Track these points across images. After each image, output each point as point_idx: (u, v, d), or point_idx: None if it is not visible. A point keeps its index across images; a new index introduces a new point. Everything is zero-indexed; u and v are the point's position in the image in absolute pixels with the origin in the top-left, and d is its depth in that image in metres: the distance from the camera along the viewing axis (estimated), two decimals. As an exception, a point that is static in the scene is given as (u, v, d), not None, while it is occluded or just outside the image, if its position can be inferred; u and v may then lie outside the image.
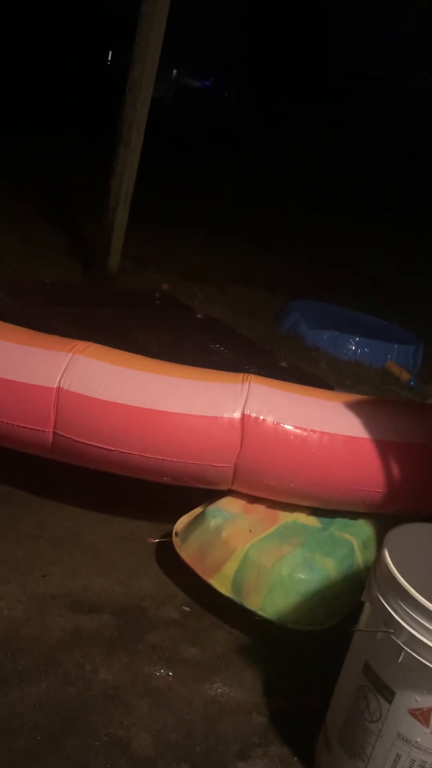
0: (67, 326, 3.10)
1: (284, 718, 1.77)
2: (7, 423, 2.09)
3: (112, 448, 2.09)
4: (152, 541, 2.26)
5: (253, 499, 2.21)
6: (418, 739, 1.40)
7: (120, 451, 2.09)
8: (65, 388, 2.06)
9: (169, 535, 2.23)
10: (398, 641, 1.38)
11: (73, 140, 8.32)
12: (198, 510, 2.24)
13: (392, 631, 1.39)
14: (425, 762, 1.41)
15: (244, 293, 5.10)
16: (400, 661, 1.38)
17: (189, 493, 2.27)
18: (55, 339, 2.20)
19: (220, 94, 12.35)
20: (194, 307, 4.03)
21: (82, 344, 2.17)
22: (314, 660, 1.91)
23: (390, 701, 1.42)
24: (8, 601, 1.90)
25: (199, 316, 3.80)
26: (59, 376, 2.08)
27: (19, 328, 2.24)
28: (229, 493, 2.24)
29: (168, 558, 2.18)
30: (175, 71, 12.30)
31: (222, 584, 1.97)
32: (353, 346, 3.96)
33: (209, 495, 2.27)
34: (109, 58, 11.66)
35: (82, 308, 3.65)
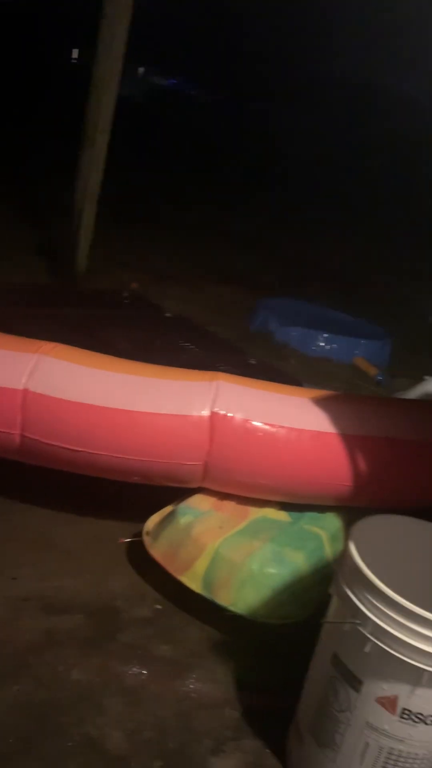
0: (35, 327, 3.09)
1: (257, 712, 1.79)
2: (-26, 426, 2.07)
3: (81, 449, 2.09)
4: (123, 540, 2.26)
5: (223, 496, 2.23)
6: (386, 727, 1.43)
7: (89, 452, 2.09)
8: (32, 389, 2.05)
9: (140, 534, 2.23)
10: (365, 632, 1.40)
11: (39, 139, 8.23)
12: (168, 508, 2.25)
13: (359, 622, 1.41)
14: (393, 749, 1.44)
15: (214, 292, 5.11)
16: (367, 651, 1.40)
17: (159, 491, 2.28)
18: (21, 340, 2.19)
19: (186, 93, 12.33)
20: (164, 306, 4.03)
21: (48, 345, 2.16)
22: (286, 654, 1.93)
23: (358, 690, 1.44)
24: (-22, 606, 1.89)
25: (168, 314, 3.81)
26: (25, 377, 2.07)
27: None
28: (199, 490, 2.25)
29: (139, 557, 2.18)
30: (141, 69, 12.24)
31: (193, 581, 1.99)
32: (322, 342, 4.00)
33: (180, 493, 2.28)
34: (75, 56, 11.55)
35: (50, 309, 3.63)
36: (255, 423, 2.10)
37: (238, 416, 2.10)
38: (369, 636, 1.40)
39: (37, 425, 2.06)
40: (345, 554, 1.50)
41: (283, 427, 2.11)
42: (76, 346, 2.24)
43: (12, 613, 1.91)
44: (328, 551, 2.11)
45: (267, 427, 2.10)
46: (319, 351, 3.98)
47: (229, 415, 2.09)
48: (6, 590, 1.97)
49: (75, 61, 11.53)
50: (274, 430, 2.10)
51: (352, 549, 1.47)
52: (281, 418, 2.12)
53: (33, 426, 2.06)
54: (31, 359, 2.10)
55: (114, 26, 3.81)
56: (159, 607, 2.05)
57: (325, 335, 4.00)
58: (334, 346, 3.99)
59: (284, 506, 2.24)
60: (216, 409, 2.09)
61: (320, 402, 2.20)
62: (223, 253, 6.13)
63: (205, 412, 2.09)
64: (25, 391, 2.05)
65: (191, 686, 1.82)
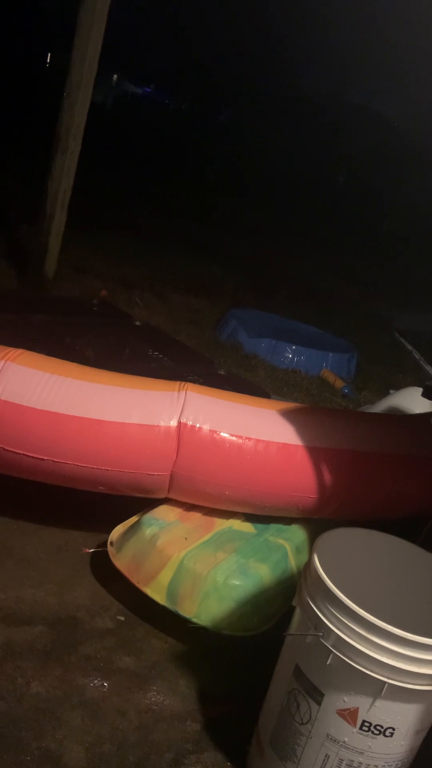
0: (1, 332, 3.05)
1: (218, 725, 1.78)
2: None
3: (46, 458, 2.06)
4: (87, 551, 2.24)
5: (190, 507, 2.23)
6: (346, 739, 1.44)
7: (53, 461, 2.06)
8: (-3, 396, 2.02)
9: (104, 544, 2.21)
10: (327, 644, 1.41)
11: (9, 143, 8.16)
12: (134, 519, 2.23)
13: (321, 634, 1.42)
14: (353, 761, 1.45)
15: (184, 301, 5.12)
16: (328, 663, 1.41)
17: (124, 502, 2.26)
18: (-14, 346, 2.16)
19: (161, 101, 12.37)
20: (133, 315, 4.02)
21: (14, 351, 2.14)
22: (248, 666, 1.94)
23: (319, 702, 1.45)
24: None
25: (137, 323, 3.80)
26: (-9, 384, 2.03)
27: None
28: (165, 501, 2.24)
29: (103, 568, 2.16)
30: (115, 76, 12.24)
31: (157, 593, 1.97)
32: (290, 354, 4.04)
33: (145, 504, 2.26)
34: (48, 60, 11.49)
35: (17, 314, 3.58)
36: (222, 434, 2.11)
37: (206, 427, 2.10)
38: (331, 648, 1.41)
39: (1, 433, 2.03)
40: (308, 566, 1.51)
41: (250, 438, 2.12)
42: (42, 353, 2.22)
43: (-30, 624, 1.87)
44: (293, 563, 2.13)
45: (234, 438, 2.11)
46: (287, 362, 4.02)
47: (196, 425, 2.09)
48: (-36, 601, 1.93)
49: (48, 65, 11.48)
50: (241, 441, 2.11)
51: (316, 561, 1.48)
52: (248, 429, 2.13)
53: (-3, 433, 2.03)
54: (-3, 366, 2.07)
55: (89, 32, 3.81)
56: (122, 618, 2.03)
57: (293, 347, 4.04)
58: (302, 358, 4.04)
59: (249, 518, 2.25)
60: (183, 420, 2.09)
61: (287, 414, 2.22)
62: (190, 263, 6.16)
63: (173, 423, 2.09)
64: (-10, 397, 2.01)
65: (153, 698, 1.81)
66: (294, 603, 1.56)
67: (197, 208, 7.96)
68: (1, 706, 1.67)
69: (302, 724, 1.49)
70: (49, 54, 11.49)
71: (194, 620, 1.93)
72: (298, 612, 1.54)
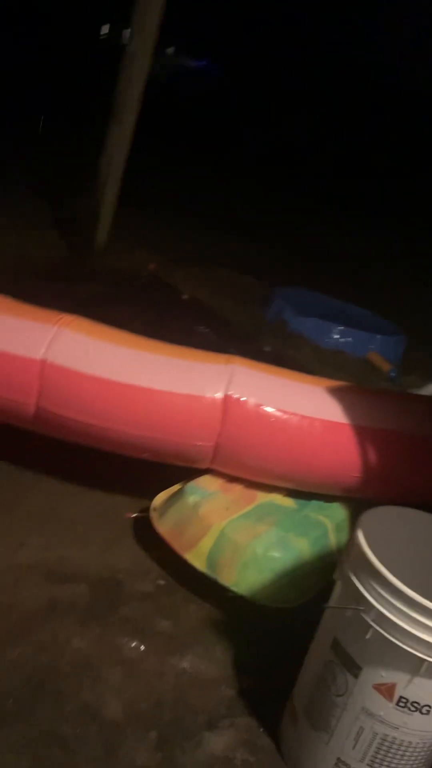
0: (49, 301, 3.09)
1: (252, 692, 1.81)
2: (-10, 393, 2.09)
3: (94, 423, 2.10)
4: (129, 515, 2.28)
5: (231, 479, 2.24)
6: (382, 713, 1.44)
7: (101, 426, 2.11)
8: (49, 360, 2.07)
9: (146, 510, 2.25)
10: (367, 618, 1.42)
11: (63, 115, 8.20)
12: (176, 487, 2.26)
13: (362, 608, 1.43)
14: (387, 735, 1.46)
15: (230, 278, 5.10)
16: (368, 637, 1.42)
17: (167, 470, 2.30)
18: (42, 311, 2.20)
19: (215, 75, 12.23)
20: (180, 289, 4.03)
21: (68, 317, 2.17)
22: (283, 637, 1.95)
23: (356, 676, 1.46)
24: (-17, 570, 1.92)
25: (185, 297, 3.81)
26: (44, 348, 2.08)
27: (6, 298, 2.23)
28: (207, 471, 2.26)
29: (144, 533, 2.20)
30: (171, 49, 12.14)
31: (197, 560, 2.00)
32: (336, 335, 3.99)
33: (187, 473, 2.29)
34: (104, 32, 11.46)
35: (68, 283, 3.64)
36: (268, 408, 2.11)
37: (252, 401, 2.11)
38: (371, 623, 1.41)
39: (52, 396, 2.07)
40: (352, 541, 1.51)
41: (295, 414, 2.11)
42: (91, 321, 2.25)
43: (17, 579, 1.93)
44: (332, 540, 2.13)
45: (279, 413, 2.11)
46: (332, 343, 3.97)
47: (242, 399, 2.10)
48: (12, 557, 2.00)
49: (104, 37, 11.44)
50: (286, 416, 2.11)
51: (360, 536, 1.48)
52: (294, 405, 2.13)
53: (48, 396, 2.07)
54: (51, 330, 2.11)
55: (149, 4, 3.78)
56: (161, 582, 2.07)
57: (339, 328, 3.99)
58: (349, 339, 3.99)
59: (291, 493, 2.26)
60: (230, 393, 2.10)
61: (334, 392, 2.21)
62: (236, 240, 6.12)
63: (219, 395, 2.10)
64: (43, 361, 2.06)
65: (189, 662, 1.84)
66: (335, 577, 1.56)
67: (242, 186, 7.88)
68: (44, 657, 1.73)
69: (338, 696, 1.51)
70: (104, 26, 11.46)
71: (233, 589, 1.96)
72: (339, 585, 1.54)
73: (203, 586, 2.03)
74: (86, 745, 1.56)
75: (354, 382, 3.71)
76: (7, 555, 1.99)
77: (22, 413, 2.12)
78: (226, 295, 4.61)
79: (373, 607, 1.41)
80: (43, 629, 1.80)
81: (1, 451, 2.38)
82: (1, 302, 2.22)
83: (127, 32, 4.10)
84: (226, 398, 2.09)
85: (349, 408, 2.15)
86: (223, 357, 2.22)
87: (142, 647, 1.85)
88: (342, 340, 3.98)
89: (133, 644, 1.85)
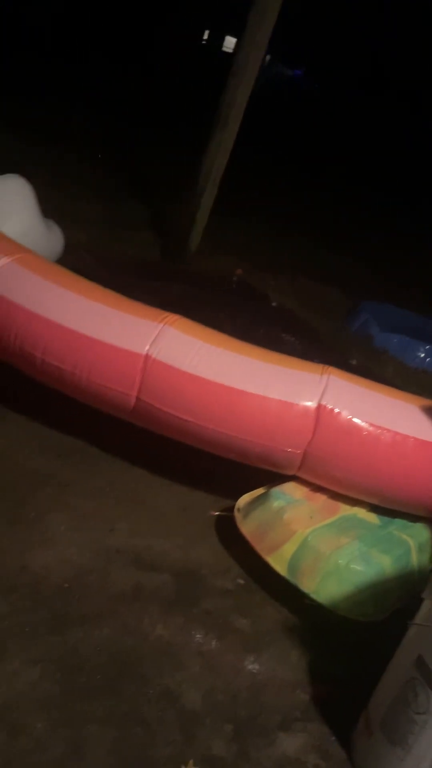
0: (142, 297, 3.20)
1: (325, 700, 1.83)
2: (95, 382, 2.19)
3: (188, 419, 2.17)
4: (214, 513, 2.34)
5: (316, 488, 2.27)
6: (464, 736, 1.44)
7: (196, 423, 2.17)
8: (153, 356, 2.15)
9: (227, 509, 2.31)
10: (458, 640, 1.42)
11: (162, 117, 8.41)
12: (260, 490, 2.31)
13: (453, 629, 1.43)
14: (467, 759, 1.46)
15: (315, 288, 5.11)
16: (456, 658, 1.42)
17: (250, 472, 2.34)
18: (148, 309, 2.29)
19: (310, 86, 12.23)
20: (269, 296, 4.08)
21: (172, 317, 2.26)
22: (359, 649, 1.96)
23: (441, 696, 1.46)
24: (78, 549, 2.02)
25: (274, 304, 3.85)
26: (149, 344, 2.17)
27: (115, 294, 2.34)
28: (292, 478, 2.30)
29: (226, 531, 2.26)
30: (267, 57, 12.25)
31: (279, 563, 2.04)
32: (423, 353, 3.94)
33: (270, 477, 2.33)
34: (205, 38, 11.68)
35: (161, 282, 3.74)
36: (360, 422, 2.13)
37: (345, 413, 2.13)
38: (462, 645, 1.41)
39: (153, 390, 2.16)
40: (447, 562, 1.52)
41: (388, 430, 2.12)
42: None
43: (106, 562, 2.02)
44: (414, 560, 2.12)
45: (372, 427, 2.12)
46: (418, 362, 3.93)
47: (336, 410, 2.12)
48: (103, 540, 2.09)
49: (204, 42, 11.66)
50: (378, 431, 2.12)
51: (456, 558, 1.48)
52: (387, 421, 2.14)
53: (149, 390, 2.16)
54: (156, 328, 2.19)
55: (262, 15, 3.85)
56: (241, 581, 2.12)
57: (426, 347, 3.94)
58: (435, 359, 3.93)
59: (374, 508, 2.26)
60: (324, 402, 2.13)
61: (428, 411, 2.20)
62: (325, 250, 6.11)
63: (313, 403, 2.13)
64: (147, 356, 2.15)
65: (265, 663, 1.88)
66: (424, 595, 1.57)
67: (337, 200, 7.87)
68: (129, 640, 1.81)
69: (418, 713, 1.51)
70: (206, 31, 11.68)
71: (312, 596, 1.99)
72: (427, 603, 1.55)
73: (281, 590, 2.06)
74: (166, 728, 1.62)
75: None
76: (100, 537, 2.08)
77: (122, 404, 2.21)
78: (311, 305, 4.62)
79: (465, 629, 1.41)
80: (129, 612, 1.88)
81: (98, 438, 2.49)
82: (110, 297, 2.32)
83: (228, 38, 4.19)
84: (320, 407, 2.12)
85: (442, 429, 2.14)
86: (319, 366, 2.25)
87: (221, 642, 1.90)
88: (428, 359, 3.93)
89: (213, 638, 1.90)
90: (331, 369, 2.25)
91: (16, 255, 2.36)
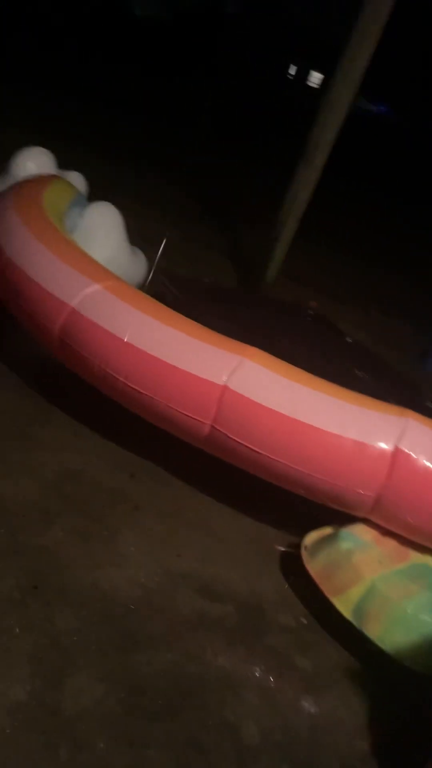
0: (221, 323, 3.25)
1: (386, 750, 1.79)
2: (173, 408, 2.25)
3: (261, 451, 2.19)
4: (280, 548, 2.34)
5: (386, 532, 2.24)
6: None
7: (267, 456, 2.19)
8: (231, 387, 2.19)
9: (292, 545, 2.31)
10: None
11: (246, 149, 8.57)
12: (328, 530, 2.30)
13: None
14: None
15: (389, 323, 5.08)
16: None
17: (318, 510, 2.33)
18: (229, 341, 2.34)
19: (396, 123, 12.20)
20: (344, 330, 4.07)
21: (253, 350, 2.30)
22: (421, 702, 1.92)
23: None
24: (146, 572, 2.06)
25: (348, 339, 3.84)
26: (227, 375, 2.21)
27: (197, 324, 2.40)
28: (362, 520, 2.27)
29: (290, 567, 2.25)
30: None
31: (344, 606, 2.02)
32: None
33: (336, 516, 2.31)
34: (292, 72, 11.86)
35: (237, 310, 3.79)
36: (437, 469, 2.09)
37: (422, 459, 2.10)
38: None
39: (228, 420, 2.19)
40: None
41: (466, 480, 2.08)
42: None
43: (173, 587, 2.05)
44: None
45: (449, 476, 2.08)
46: None
47: (412, 455, 2.10)
48: (170, 564, 2.12)
49: (291, 77, 11.84)
50: (455, 480, 2.08)
51: None
52: (465, 470, 2.09)
53: (224, 420, 2.20)
54: (235, 359, 2.24)
55: (357, 54, 3.90)
56: (304, 620, 2.11)
57: None
58: None
59: (446, 558, 2.21)
60: (401, 446, 2.11)
61: None
62: (401, 282, 6.07)
63: (389, 446, 2.11)
64: (225, 387, 2.19)
65: (325, 705, 1.86)
66: None
67: (419, 238, 7.81)
68: (192, 668, 1.83)
69: None
70: (292, 66, 11.86)
71: (377, 643, 1.95)
72: None
73: (344, 633, 2.04)
74: (224, 759, 1.63)
75: None
76: (168, 561, 2.12)
77: (197, 432, 2.26)
78: (383, 340, 4.59)
79: None
80: (193, 639, 1.90)
81: (170, 461, 2.54)
82: (193, 327, 2.38)
83: (314, 73, 4.24)
84: (396, 451, 2.10)
85: None
86: (397, 409, 2.23)
87: (282, 679, 1.89)
88: None
89: (274, 674, 1.90)
90: (410, 412, 2.23)
91: (106, 282, 2.46)
